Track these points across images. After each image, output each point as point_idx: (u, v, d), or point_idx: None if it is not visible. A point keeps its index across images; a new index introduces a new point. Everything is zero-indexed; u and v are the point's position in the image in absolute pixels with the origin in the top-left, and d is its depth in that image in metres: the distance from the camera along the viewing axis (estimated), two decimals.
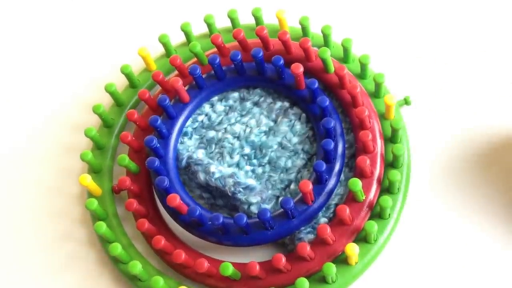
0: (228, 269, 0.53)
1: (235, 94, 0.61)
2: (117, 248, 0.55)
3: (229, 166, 0.58)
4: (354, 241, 0.54)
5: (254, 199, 0.56)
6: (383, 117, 0.59)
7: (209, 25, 0.62)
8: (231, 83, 0.60)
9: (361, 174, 0.55)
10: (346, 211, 0.53)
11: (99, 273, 0.59)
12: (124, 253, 0.56)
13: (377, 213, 0.56)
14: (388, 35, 0.65)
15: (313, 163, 0.55)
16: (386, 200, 0.54)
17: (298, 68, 0.56)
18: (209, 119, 0.60)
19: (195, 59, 0.62)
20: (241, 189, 0.56)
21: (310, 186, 0.53)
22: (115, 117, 0.63)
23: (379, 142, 0.57)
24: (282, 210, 0.54)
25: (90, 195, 0.60)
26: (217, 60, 0.58)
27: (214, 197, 0.59)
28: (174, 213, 0.56)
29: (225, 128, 0.60)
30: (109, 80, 0.62)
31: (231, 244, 0.55)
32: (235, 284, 0.55)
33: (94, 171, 0.61)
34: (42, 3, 0.71)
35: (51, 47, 0.69)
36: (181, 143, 0.59)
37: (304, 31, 0.61)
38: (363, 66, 0.59)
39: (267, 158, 0.58)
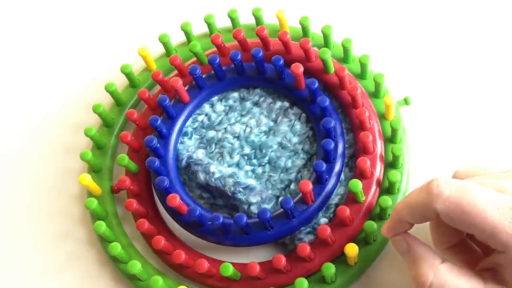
0: (228, 270, 0.53)
1: (235, 94, 0.61)
2: (116, 248, 0.55)
3: (229, 166, 0.58)
4: (354, 241, 0.54)
5: (254, 199, 0.57)
6: (382, 117, 0.59)
7: (209, 25, 0.62)
8: (231, 83, 0.60)
9: (361, 175, 0.55)
10: (346, 212, 0.53)
11: (99, 272, 0.59)
12: (124, 253, 0.57)
13: (377, 214, 0.56)
14: (388, 35, 0.65)
15: (313, 163, 0.55)
16: (386, 200, 0.54)
17: (298, 68, 0.56)
18: (209, 119, 0.60)
19: (195, 59, 0.62)
20: (241, 189, 0.56)
21: (310, 186, 0.53)
22: (115, 116, 0.63)
23: (379, 143, 0.57)
24: (282, 210, 0.54)
25: (90, 194, 0.60)
26: (217, 60, 0.58)
27: (214, 197, 0.59)
28: (174, 213, 0.56)
29: (225, 128, 0.60)
30: (109, 79, 0.62)
31: (231, 244, 0.55)
32: (235, 284, 0.55)
33: (94, 170, 0.61)
34: (42, 3, 0.71)
35: (51, 47, 0.69)
36: (181, 143, 0.59)
37: (304, 31, 0.61)
38: (363, 66, 0.59)
39: (267, 158, 0.58)
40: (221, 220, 0.53)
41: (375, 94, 0.59)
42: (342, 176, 0.57)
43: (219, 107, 0.60)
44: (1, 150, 0.65)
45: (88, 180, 0.58)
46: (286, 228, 0.54)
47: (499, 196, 0.45)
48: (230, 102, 0.60)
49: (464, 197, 0.44)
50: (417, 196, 0.47)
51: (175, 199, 0.54)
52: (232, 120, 0.60)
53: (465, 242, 0.51)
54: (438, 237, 0.51)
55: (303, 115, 0.59)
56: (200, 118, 0.60)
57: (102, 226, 0.56)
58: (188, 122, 0.60)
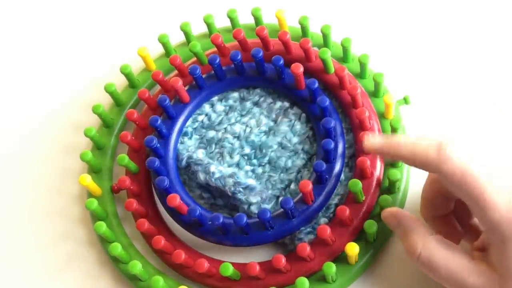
0: (228, 269, 0.53)
1: (235, 94, 0.61)
2: (117, 248, 0.55)
3: (229, 166, 0.58)
4: (354, 241, 0.54)
5: (254, 199, 0.57)
6: (382, 116, 0.59)
7: (209, 25, 0.62)
8: (231, 83, 0.60)
9: (361, 175, 0.55)
10: (346, 212, 0.53)
11: (99, 273, 0.59)
12: (124, 253, 0.57)
13: (377, 213, 0.56)
14: (387, 34, 0.65)
15: (313, 163, 0.55)
16: (386, 199, 0.54)
17: (298, 68, 0.56)
18: (209, 119, 0.60)
19: (195, 59, 0.62)
20: (241, 189, 0.56)
21: (310, 186, 0.53)
22: (115, 117, 0.63)
23: None
24: (282, 210, 0.54)
25: (90, 195, 0.60)
26: (217, 60, 0.58)
27: (214, 197, 0.59)
28: (174, 213, 0.56)
29: (225, 128, 0.60)
30: (108, 80, 0.62)
31: (231, 244, 0.55)
32: (235, 284, 0.55)
33: (94, 171, 0.61)
34: (42, 4, 0.71)
35: (51, 47, 0.69)
36: (181, 143, 0.60)
37: (304, 30, 0.61)
38: (363, 66, 0.59)
39: (267, 158, 0.58)
40: (221, 220, 0.53)
41: (375, 93, 0.59)
42: (342, 176, 0.57)
43: (219, 107, 0.60)
44: (1, 150, 0.65)
45: (88, 180, 0.58)
46: (286, 228, 0.54)
47: (504, 179, 0.46)
48: (230, 102, 0.61)
49: (470, 167, 0.45)
50: (426, 149, 0.46)
51: (175, 199, 0.54)
52: (232, 120, 0.60)
53: (449, 218, 0.53)
54: (427, 202, 0.52)
55: (303, 115, 0.59)
56: (200, 118, 0.60)
57: (102, 226, 0.56)
58: (188, 122, 0.60)
